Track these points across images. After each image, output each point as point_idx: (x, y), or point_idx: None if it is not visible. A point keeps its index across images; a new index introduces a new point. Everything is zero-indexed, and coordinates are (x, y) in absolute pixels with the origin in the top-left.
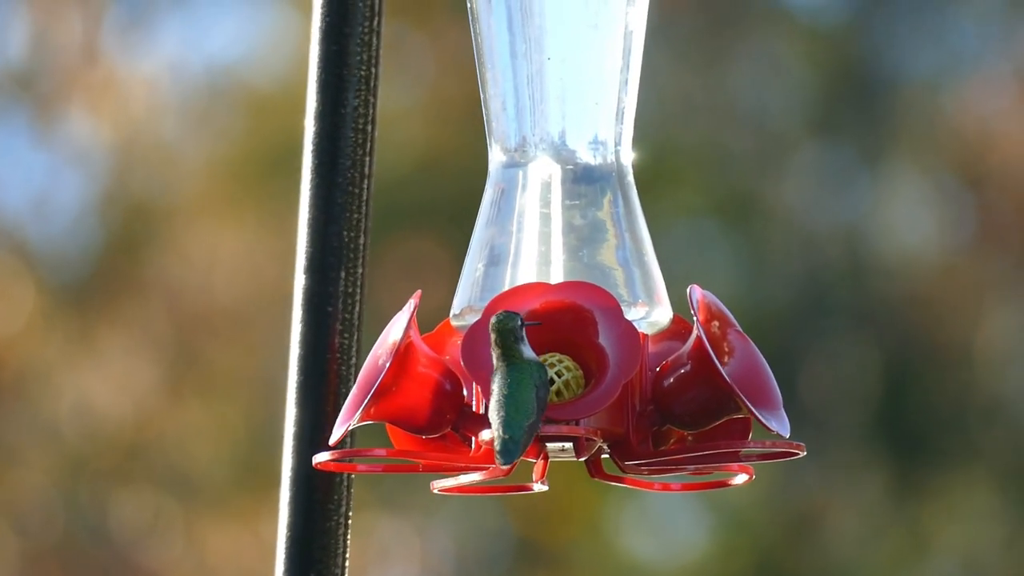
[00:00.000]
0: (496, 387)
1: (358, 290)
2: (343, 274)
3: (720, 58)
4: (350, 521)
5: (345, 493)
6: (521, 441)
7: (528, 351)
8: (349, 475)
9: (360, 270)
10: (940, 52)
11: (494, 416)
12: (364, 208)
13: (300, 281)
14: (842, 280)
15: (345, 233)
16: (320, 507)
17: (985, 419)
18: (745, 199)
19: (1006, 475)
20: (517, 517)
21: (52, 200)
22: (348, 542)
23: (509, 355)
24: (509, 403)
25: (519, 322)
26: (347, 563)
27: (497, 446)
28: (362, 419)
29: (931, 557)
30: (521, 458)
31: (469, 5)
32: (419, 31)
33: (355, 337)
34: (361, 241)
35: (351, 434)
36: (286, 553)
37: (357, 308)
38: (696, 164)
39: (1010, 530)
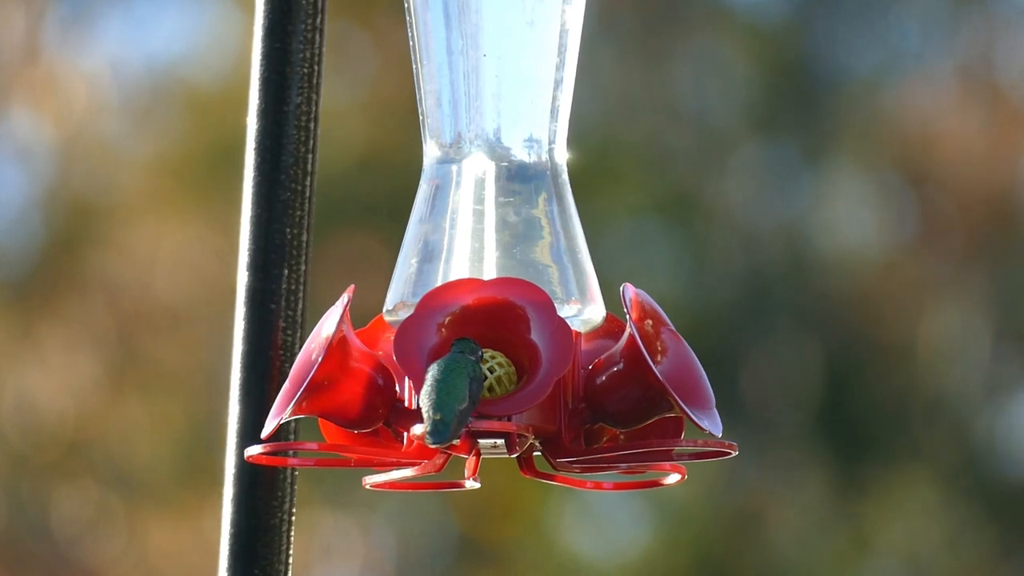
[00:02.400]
0: (429, 374)
1: (301, 287)
2: (286, 271)
3: (662, 56)
4: (294, 518)
5: (289, 490)
6: (452, 424)
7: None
8: (293, 471)
9: (303, 267)
10: (882, 50)
11: (425, 399)
12: (307, 205)
13: (243, 278)
14: (784, 278)
15: (288, 230)
16: (264, 504)
17: (927, 417)
18: (687, 197)
19: (948, 473)
20: (460, 514)
21: None
22: (292, 539)
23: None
24: (441, 387)
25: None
26: (291, 560)
27: (427, 427)
28: (294, 413)
29: (872, 555)
30: (453, 449)
31: (406, 2)
32: (361, 29)
33: (298, 334)
34: (304, 238)
35: (294, 430)
36: (230, 550)
37: (300, 305)
38: (638, 162)
39: (951, 528)
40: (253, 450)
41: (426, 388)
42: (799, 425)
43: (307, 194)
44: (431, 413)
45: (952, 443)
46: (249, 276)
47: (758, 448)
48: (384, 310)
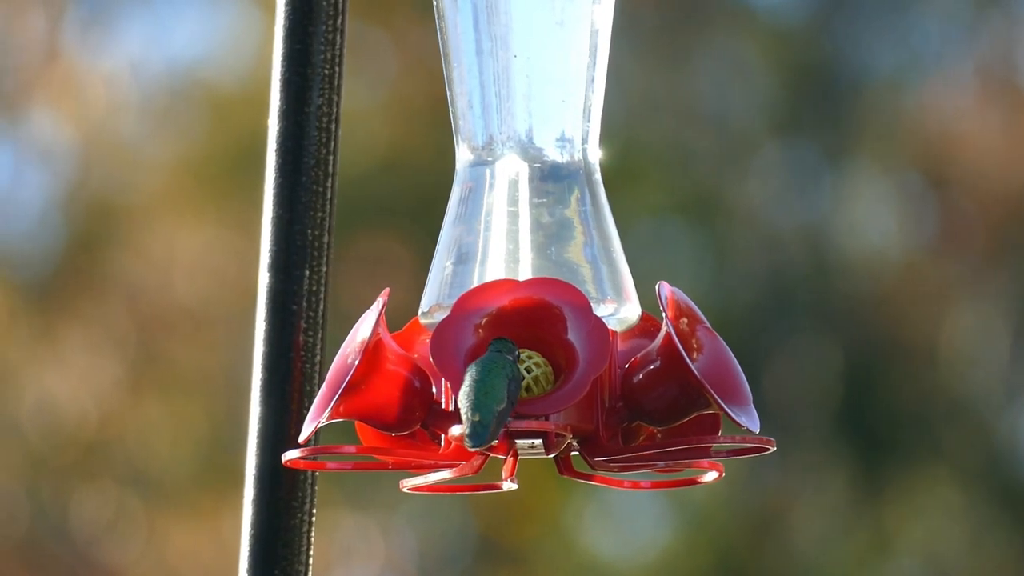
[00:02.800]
0: (467, 375)
1: (322, 288)
2: (307, 272)
3: (684, 57)
4: (314, 519)
5: (309, 491)
6: (491, 425)
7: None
8: (313, 472)
9: (324, 268)
10: (903, 51)
11: (463, 401)
12: (328, 207)
13: (264, 280)
14: (805, 279)
15: (309, 232)
16: (284, 505)
17: (948, 418)
18: (708, 198)
19: (969, 474)
20: (480, 515)
21: (14, 198)
22: (312, 540)
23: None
24: (479, 388)
25: (516, 351)
26: (311, 561)
27: (466, 429)
28: (331, 417)
29: (894, 556)
30: (491, 450)
31: (435, 3)
32: (383, 29)
33: (319, 335)
34: (325, 240)
35: (316, 433)
36: (250, 551)
37: (321, 306)
38: (660, 163)
39: (973, 529)
40: (291, 455)
41: (464, 389)
42: (820, 426)
43: (328, 195)
44: (469, 415)
45: (973, 444)
46: (270, 277)
47: (779, 449)
48: (419, 312)
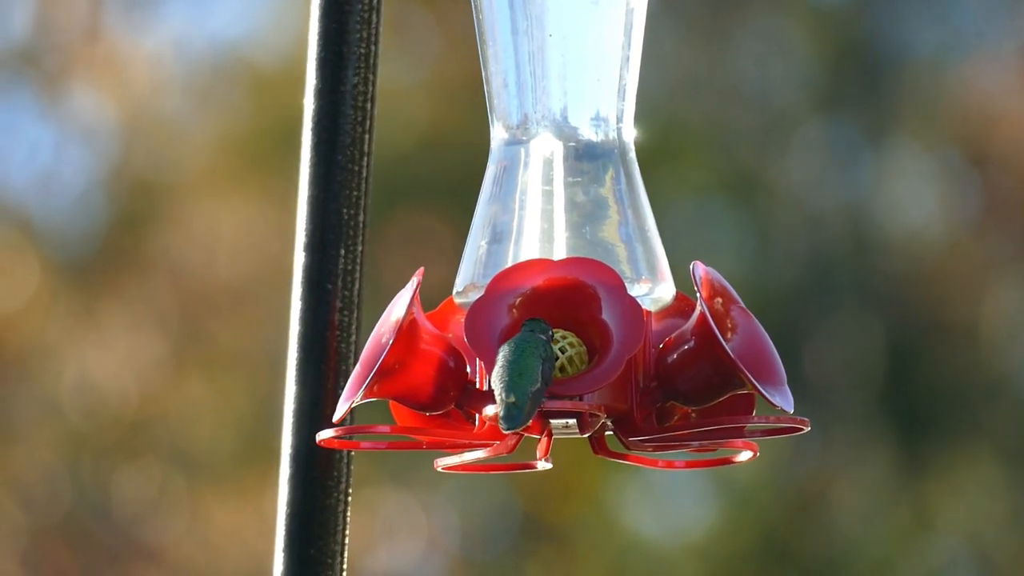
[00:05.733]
0: (501, 355)
1: (357, 267)
2: (342, 251)
3: (724, 35)
4: (350, 498)
5: (345, 470)
6: (525, 407)
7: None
8: (348, 452)
9: (359, 248)
10: (944, 29)
11: (497, 382)
12: (363, 186)
13: (300, 259)
14: (846, 258)
15: (344, 211)
16: (320, 484)
17: (989, 396)
18: (749, 176)
19: (1010, 452)
20: (522, 493)
21: (56, 177)
22: (348, 519)
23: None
24: (513, 369)
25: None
26: (347, 539)
27: (501, 411)
28: (365, 396)
29: (935, 534)
30: (525, 431)
31: None
32: (424, 9)
33: (354, 315)
34: (360, 219)
35: (351, 412)
36: (286, 529)
37: (356, 286)
38: (700, 141)
39: (1014, 507)
40: (325, 434)
41: (498, 370)
42: (862, 404)
43: (364, 174)
44: (504, 396)
45: (1014, 422)
46: (306, 256)
47: (821, 427)
48: (454, 292)
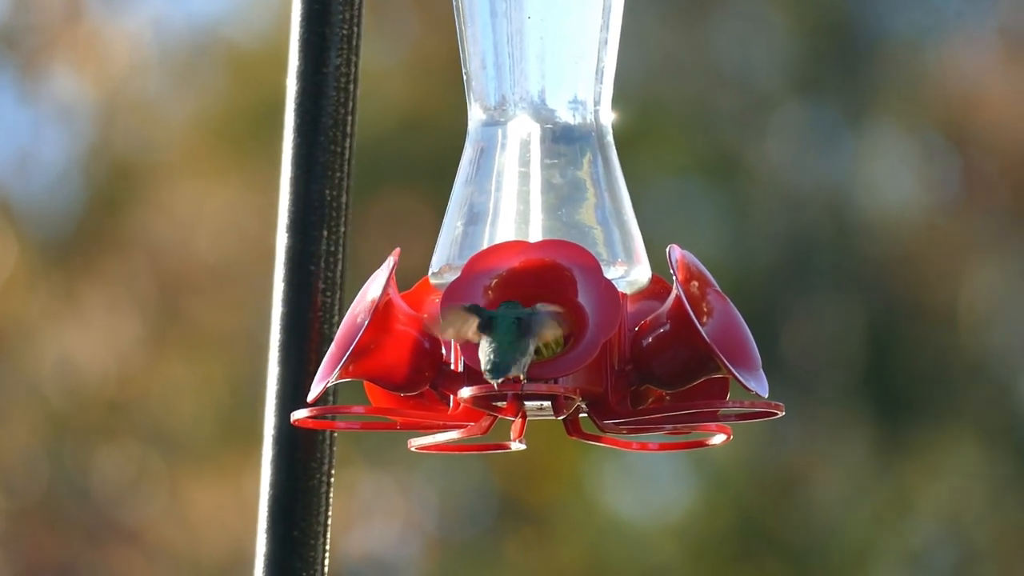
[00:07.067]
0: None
1: (340, 248)
2: (325, 233)
3: (704, 16)
4: (332, 479)
5: (327, 451)
6: (511, 360)
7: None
8: (331, 433)
9: (342, 229)
10: (924, 10)
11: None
12: (346, 167)
13: (282, 240)
14: (826, 239)
15: (327, 192)
16: (302, 465)
17: (969, 378)
18: (728, 158)
19: (990, 434)
20: (500, 474)
21: (35, 157)
22: (331, 500)
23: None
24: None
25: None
26: (329, 521)
27: (486, 364)
28: (340, 376)
29: (915, 516)
30: (499, 412)
31: None
32: None
33: (337, 296)
34: (343, 200)
35: (333, 392)
36: (268, 511)
37: (339, 267)
38: (680, 122)
39: (993, 489)
40: (299, 414)
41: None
42: (841, 386)
43: (346, 155)
44: (490, 353)
45: (994, 404)
46: (288, 238)
47: (800, 409)
48: (429, 272)
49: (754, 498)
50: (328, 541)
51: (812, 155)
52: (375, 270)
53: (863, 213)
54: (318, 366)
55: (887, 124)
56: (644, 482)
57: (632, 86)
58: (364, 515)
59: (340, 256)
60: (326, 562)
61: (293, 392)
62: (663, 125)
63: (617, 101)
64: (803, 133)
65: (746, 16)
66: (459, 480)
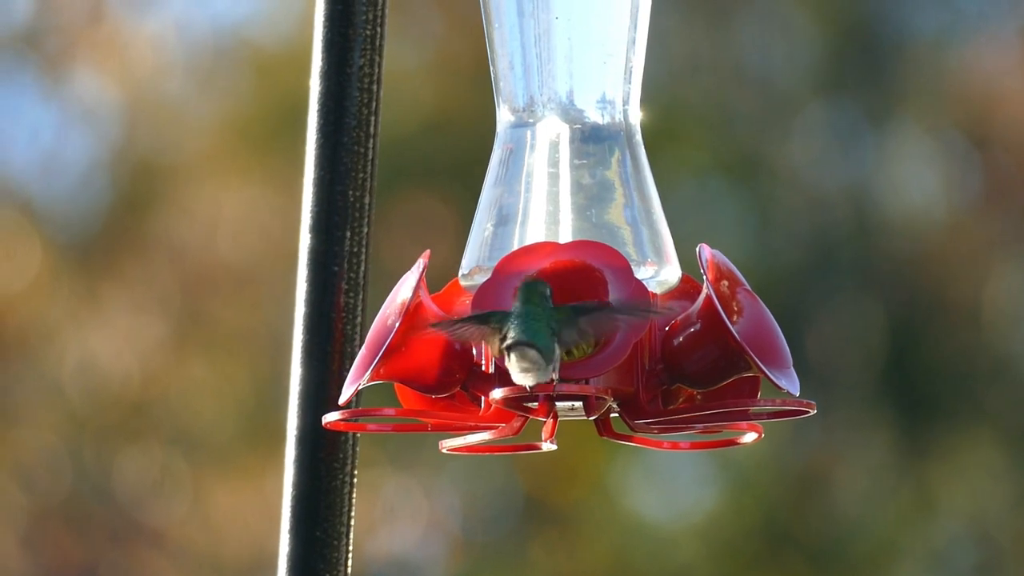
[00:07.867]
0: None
1: (363, 249)
2: (348, 233)
3: (727, 17)
4: (355, 480)
5: (350, 452)
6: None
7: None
8: (354, 434)
9: (365, 229)
10: (946, 11)
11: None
12: (369, 168)
13: (305, 241)
14: (848, 239)
15: (350, 193)
16: (325, 466)
17: (992, 378)
18: (751, 158)
19: (1012, 434)
20: (525, 476)
21: (58, 158)
22: (354, 500)
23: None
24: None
25: (548, 289)
26: (352, 521)
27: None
28: (372, 379)
29: (937, 516)
30: (530, 413)
31: None
32: None
33: (360, 296)
34: (366, 200)
35: (357, 394)
36: (291, 511)
37: (362, 267)
38: (702, 123)
39: (1016, 489)
40: (330, 417)
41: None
42: (864, 386)
43: (370, 156)
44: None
45: (1017, 404)
46: (311, 238)
47: (823, 409)
48: (460, 274)
49: (777, 498)
50: (351, 542)
51: (835, 155)
52: (398, 271)
53: (885, 213)
54: (341, 367)
55: (909, 124)
56: (667, 483)
57: (655, 87)
58: (388, 516)
59: (363, 257)
60: (349, 563)
61: (316, 392)
62: (686, 125)
63: (641, 101)
64: (826, 133)
65: (769, 17)
66: (483, 481)
